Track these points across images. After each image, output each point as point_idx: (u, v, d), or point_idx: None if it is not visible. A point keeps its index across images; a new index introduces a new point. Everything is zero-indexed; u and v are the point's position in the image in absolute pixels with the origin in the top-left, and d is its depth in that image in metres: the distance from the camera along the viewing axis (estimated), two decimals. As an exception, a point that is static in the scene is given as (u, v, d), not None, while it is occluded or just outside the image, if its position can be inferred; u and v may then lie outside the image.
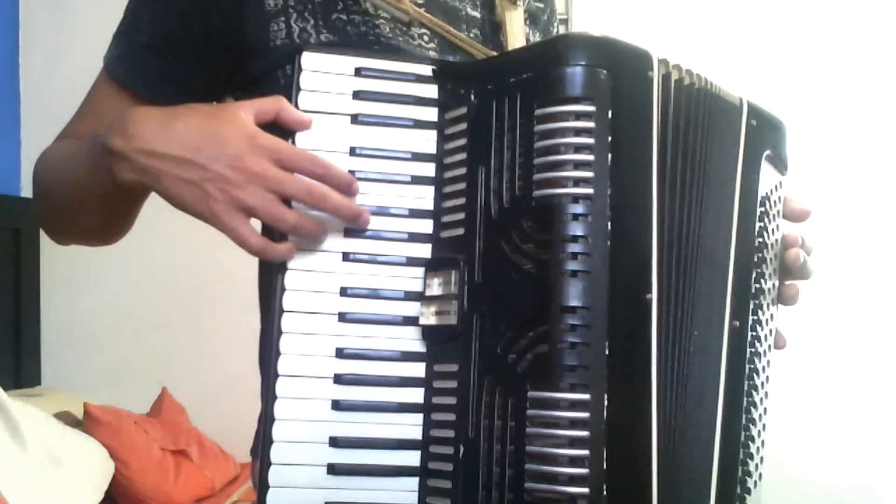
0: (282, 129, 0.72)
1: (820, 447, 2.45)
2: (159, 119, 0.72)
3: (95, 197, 0.81)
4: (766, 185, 0.84)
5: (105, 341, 2.73)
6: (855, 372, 2.46)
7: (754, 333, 0.82)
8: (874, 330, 2.47)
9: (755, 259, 0.82)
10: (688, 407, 0.74)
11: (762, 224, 0.83)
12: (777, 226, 0.86)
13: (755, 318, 0.82)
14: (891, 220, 2.50)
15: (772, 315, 0.86)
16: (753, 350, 0.82)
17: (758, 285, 0.82)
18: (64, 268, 2.67)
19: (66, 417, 2.19)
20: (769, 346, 0.86)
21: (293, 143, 0.72)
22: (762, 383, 0.84)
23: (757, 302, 0.82)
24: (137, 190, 0.74)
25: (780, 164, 0.87)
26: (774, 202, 0.86)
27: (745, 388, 0.81)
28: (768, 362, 0.86)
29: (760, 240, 0.83)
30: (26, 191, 2.72)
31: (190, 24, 0.82)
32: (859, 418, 2.46)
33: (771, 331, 0.86)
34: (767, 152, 0.85)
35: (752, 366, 0.82)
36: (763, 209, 0.84)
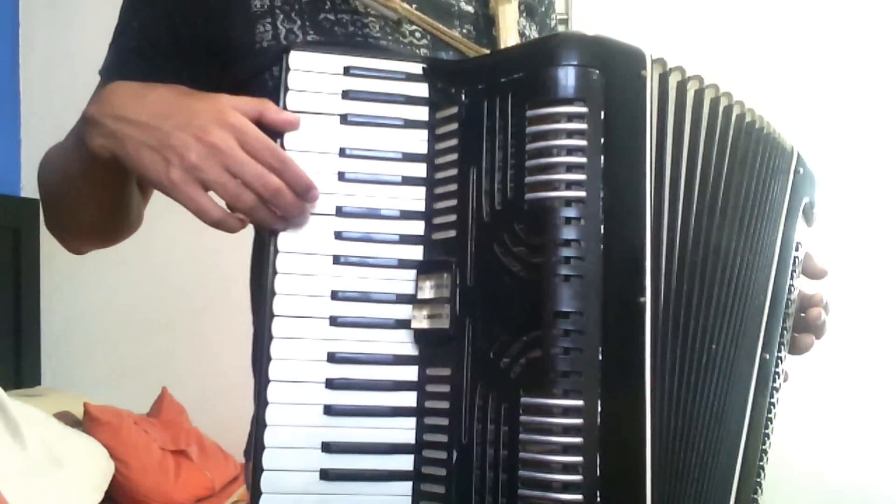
0: (271, 133, 0.71)
1: (820, 445, 2.44)
2: (135, 88, 0.72)
3: (80, 174, 0.81)
4: (799, 233, 0.89)
5: (105, 341, 2.73)
6: (855, 371, 2.44)
7: (776, 369, 0.85)
8: (872, 329, 2.45)
9: (786, 300, 0.86)
10: (698, 417, 0.73)
11: (792, 268, 0.87)
12: (798, 273, 0.90)
13: (778, 354, 0.85)
14: (889, 219, 2.49)
15: (784, 356, 0.89)
16: (774, 384, 0.85)
17: (783, 325, 0.86)
18: (64, 268, 2.67)
19: (66, 417, 2.19)
20: (780, 383, 0.88)
21: (282, 143, 0.71)
22: (773, 417, 0.86)
23: (781, 340, 0.85)
24: (111, 162, 0.73)
25: (810, 215, 0.92)
26: (801, 250, 0.90)
27: (764, 418, 0.83)
28: (778, 399, 0.88)
29: (791, 282, 0.87)
30: (26, 191, 2.72)
31: (177, 27, 0.82)
32: (858, 417, 2.45)
33: (783, 370, 0.88)
34: (806, 200, 0.89)
35: (771, 399, 0.85)
36: (795, 254, 0.87)
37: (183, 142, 0.67)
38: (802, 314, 0.91)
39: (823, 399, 2.43)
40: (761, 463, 0.83)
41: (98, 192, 0.85)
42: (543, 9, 1.00)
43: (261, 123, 0.70)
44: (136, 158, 0.69)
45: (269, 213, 0.69)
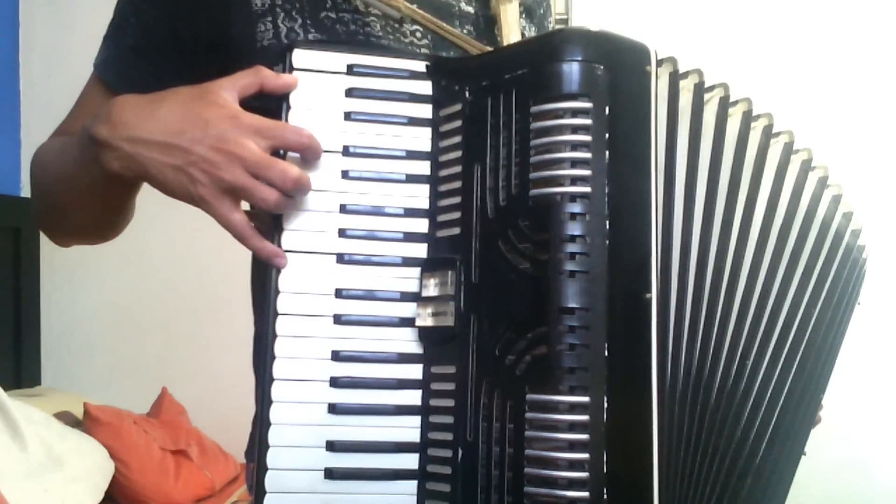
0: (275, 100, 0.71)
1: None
2: (142, 105, 0.72)
3: (87, 188, 0.80)
4: None
5: (105, 341, 2.72)
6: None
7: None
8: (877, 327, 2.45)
9: None
10: (723, 426, 0.74)
11: None
12: None
13: None
14: (891, 221, 2.48)
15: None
16: None
17: None
18: (64, 268, 2.67)
19: (66, 417, 2.18)
20: None
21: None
22: None
23: None
24: (126, 179, 0.74)
25: None
26: None
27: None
28: None
29: None
30: (26, 191, 2.71)
31: (176, 25, 0.82)
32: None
33: None
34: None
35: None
36: None
37: (203, 155, 0.68)
38: None
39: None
40: None
41: (104, 200, 0.85)
42: (542, 11, 1.01)
43: (262, 92, 0.70)
44: (161, 180, 0.70)
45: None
